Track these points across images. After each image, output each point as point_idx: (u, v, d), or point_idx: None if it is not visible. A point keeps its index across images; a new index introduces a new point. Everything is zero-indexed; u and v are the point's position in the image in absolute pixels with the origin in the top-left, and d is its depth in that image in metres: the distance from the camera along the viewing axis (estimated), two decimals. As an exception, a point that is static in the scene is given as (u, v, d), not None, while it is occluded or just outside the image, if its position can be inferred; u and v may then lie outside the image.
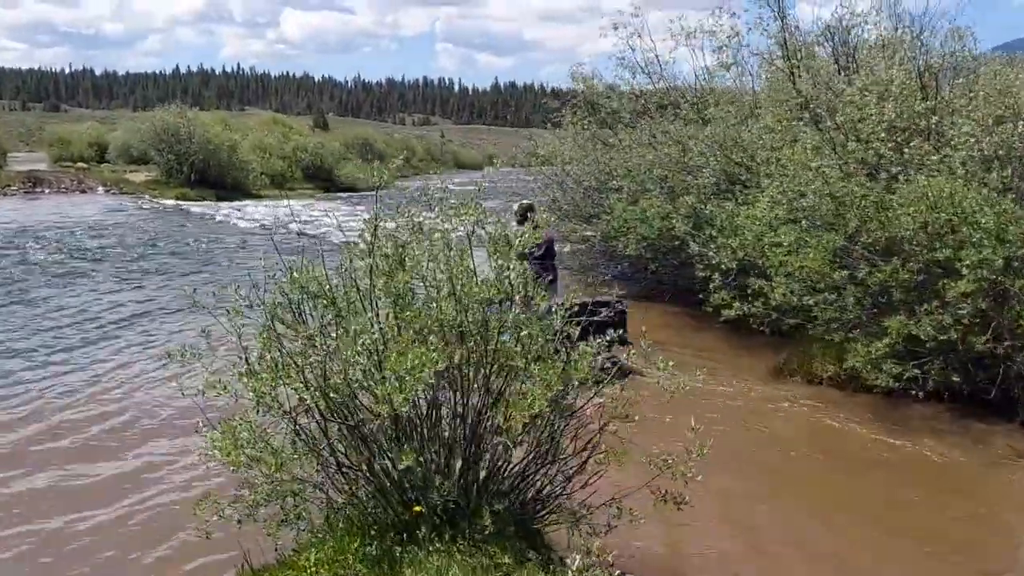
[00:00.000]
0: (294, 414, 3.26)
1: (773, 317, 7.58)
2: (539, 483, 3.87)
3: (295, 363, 3.25)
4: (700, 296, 9.07)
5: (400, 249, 3.75)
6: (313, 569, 3.37)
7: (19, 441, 5.97)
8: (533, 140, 16.20)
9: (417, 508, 3.52)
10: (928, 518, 4.99)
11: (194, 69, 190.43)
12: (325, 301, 3.66)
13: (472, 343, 3.41)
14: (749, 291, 7.85)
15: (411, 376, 3.16)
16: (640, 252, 10.91)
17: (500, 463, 3.75)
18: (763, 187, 8.92)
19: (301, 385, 3.17)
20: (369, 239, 3.72)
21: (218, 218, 22.16)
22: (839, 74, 10.44)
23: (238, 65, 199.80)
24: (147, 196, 27.13)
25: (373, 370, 3.32)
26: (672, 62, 17.57)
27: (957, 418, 6.39)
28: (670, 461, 3.56)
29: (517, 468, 3.79)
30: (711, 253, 8.95)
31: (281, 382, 3.15)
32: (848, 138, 8.24)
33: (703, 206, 9.92)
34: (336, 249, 14.26)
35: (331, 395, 3.29)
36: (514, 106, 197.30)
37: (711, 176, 10.52)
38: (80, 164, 37.89)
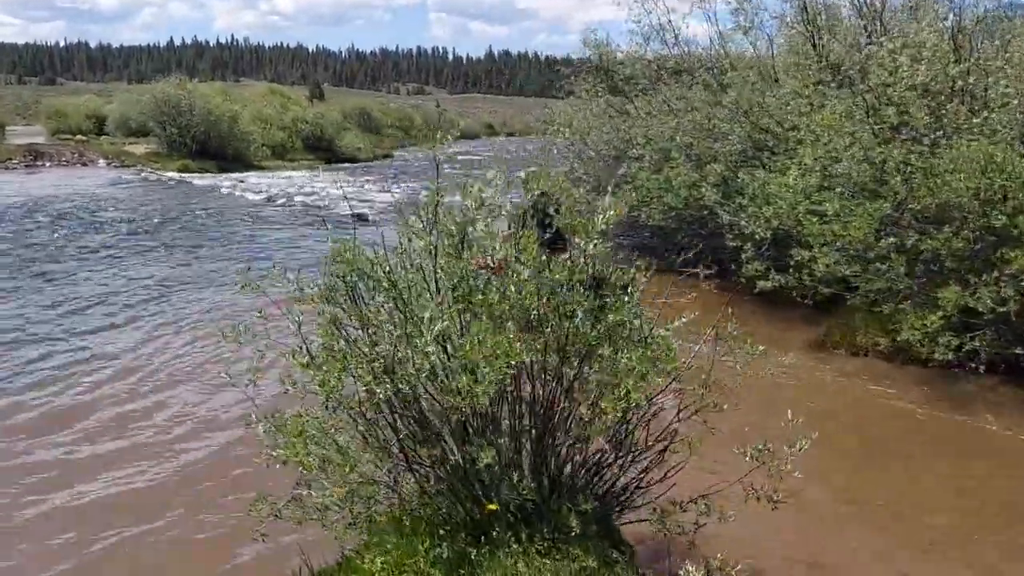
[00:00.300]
0: (363, 408, 2.98)
1: (816, 288, 7.32)
2: (614, 476, 3.62)
3: (364, 353, 2.96)
4: (731, 267, 8.80)
5: (464, 227, 3.44)
6: (381, 572, 3.13)
7: (58, 443, 5.53)
8: (549, 109, 15.74)
9: (491, 506, 3.27)
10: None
11: (188, 41, 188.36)
12: (385, 284, 3.37)
13: (550, 329, 3.12)
14: (788, 262, 7.58)
15: (491, 367, 2.90)
16: (665, 222, 10.63)
17: (575, 456, 3.50)
18: (793, 154, 8.65)
19: (371, 377, 2.88)
20: (429, 215, 3.41)
21: (223, 190, 21.75)
22: (865, 37, 10.10)
23: (232, 36, 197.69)
24: (149, 168, 26.68)
25: (446, 360, 3.05)
26: (687, 27, 17.08)
27: (1016, 391, 6.13)
28: (766, 451, 3.29)
29: (591, 461, 3.54)
30: (743, 222, 8.67)
31: (351, 374, 2.86)
32: (880, 102, 7.94)
33: (732, 174, 9.62)
34: (348, 222, 14.00)
35: (401, 387, 3.01)
36: (508, 75, 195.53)
37: (737, 143, 10.22)
38: (79, 137, 37.41)
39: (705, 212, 9.94)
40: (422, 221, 3.53)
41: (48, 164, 27.01)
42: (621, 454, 3.55)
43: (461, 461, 3.20)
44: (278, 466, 3.13)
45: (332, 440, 2.89)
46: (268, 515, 3.21)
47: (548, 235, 8.89)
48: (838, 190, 7.63)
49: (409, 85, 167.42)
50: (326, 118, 35.60)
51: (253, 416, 3.30)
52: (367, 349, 3.03)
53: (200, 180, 24.64)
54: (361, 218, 14.65)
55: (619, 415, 3.03)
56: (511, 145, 60.06)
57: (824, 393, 6.56)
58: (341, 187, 22.74)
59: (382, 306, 3.35)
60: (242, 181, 24.05)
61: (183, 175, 25.78)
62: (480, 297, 3.19)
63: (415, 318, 3.15)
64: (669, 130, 10.83)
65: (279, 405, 3.51)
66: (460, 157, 40.56)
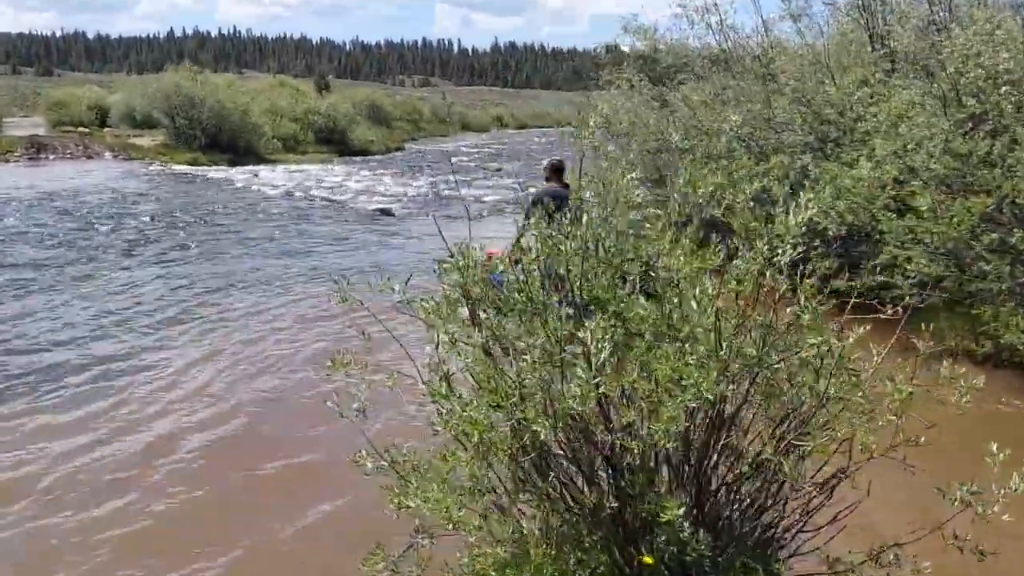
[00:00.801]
0: (513, 450, 2.47)
1: (905, 291, 6.82)
2: (775, 517, 3.10)
3: (517, 383, 2.45)
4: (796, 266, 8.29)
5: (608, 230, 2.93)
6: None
7: (118, 479, 4.70)
8: (589, 99, 15.15)
9: (648, 559, 2.77)
10: None
11: (189, 32, 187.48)
12: (520, 299, 2.85)
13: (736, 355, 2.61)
14: (859, 261, 7.12)
15: (673, 400, 2.39)
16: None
17: (734, 496, 2.99)
18: (859, 146, 8.19)
19: (534, 413, 2.37)
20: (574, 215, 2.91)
21: (239, 184, 21.21)
22: (930, 26, 9.60)
23: (234, 27, 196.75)
24: (158, 161, 26.09)
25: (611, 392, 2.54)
26: (734, 12, 16.51)
27: None
28: (965, 493, 2.76)
29: (748, 498, 3.03)
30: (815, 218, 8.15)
31: (511, 410, 2.35)
32: (959, 93, 7.43)
33: (802, 167, 9.12)
34: (373, 217, 13.47)
35: (560, 424, 2.50)
36: (515, 67, 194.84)
37: (800, 135, 9.72)
38: (81, 129, 36.80)
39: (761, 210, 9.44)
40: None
41: (52, 157, 26.35)
42: (784, 492, 3.05)
43: (618, 508, 2.70)
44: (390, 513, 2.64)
45: (485, 489, 2.36)
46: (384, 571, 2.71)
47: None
48: (917, 183, 7.16)
49: (415, 77, 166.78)
50: (338, 110, 34.99)
51: (362, 453, 2.80)
52: (518, 378, 2.51)
53: (213, 173, 24.09)
54: (386, 212, 14.22)
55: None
56: (519, 137, 59.87)
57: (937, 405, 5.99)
58: (357, 181, 22.28)
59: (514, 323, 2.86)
60: (256, 175, 23.52)
61: (194, 168, 25.23)
62: (640, 312, 2.68)
63: (556, 338, 2.65)
64: (726, 120, 10.30)
65: (391, 440, 3.01)
66: (473, 151, 40.21)
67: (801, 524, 3.12)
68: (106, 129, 36.83)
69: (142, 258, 11.13)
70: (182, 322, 7.89)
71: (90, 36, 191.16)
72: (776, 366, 2.71)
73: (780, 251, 2.69)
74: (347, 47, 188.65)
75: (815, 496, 3.05)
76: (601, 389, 2.46)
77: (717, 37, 12.98)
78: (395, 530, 2.90)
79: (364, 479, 2.82)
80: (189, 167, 25.32)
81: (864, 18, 10.29)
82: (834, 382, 2.55)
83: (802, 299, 2.70)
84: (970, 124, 6.89)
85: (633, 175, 3.18)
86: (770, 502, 3.06)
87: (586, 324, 2.61)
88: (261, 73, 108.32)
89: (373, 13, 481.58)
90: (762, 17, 12.49)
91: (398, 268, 10.38)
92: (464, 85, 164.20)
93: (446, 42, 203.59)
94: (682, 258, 2.73)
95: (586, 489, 2.69)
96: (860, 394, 2.50)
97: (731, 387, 2.67)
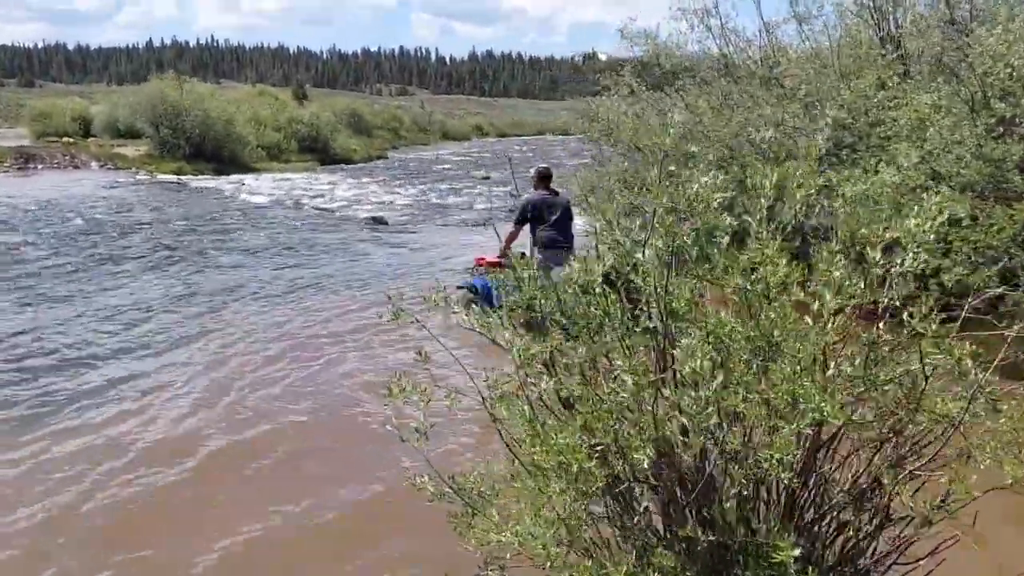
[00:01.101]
0: (609, 480, 2.23)
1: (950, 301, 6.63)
2: (869, 547, 2.88)
3: (614, 407, 2.22)
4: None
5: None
6: None
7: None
8: (590, 105, 14.95)
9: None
10: None
11: (168, 42, 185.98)
12: (599, 312, 2.63)
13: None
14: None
15: (789, 425, 2.17)
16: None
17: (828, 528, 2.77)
18: (878, 152, 8.02)
19: (638, 441, 2.14)
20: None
21: (227, 193, 20.81)
22: (950, 26, 9.48)
23: (212, 37, 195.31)
24: (144, 171, 25.65)
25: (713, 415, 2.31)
26: (735, 15, 16.39)
27: None
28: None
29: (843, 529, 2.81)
30: (839, 225, 7.97)
31: (608, 435, 2.11)
32: (987, 94, 7.31)
33: (824, 173, 8.93)
34: (366, 225, 13.12)
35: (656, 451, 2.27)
36: (492, 76, 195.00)
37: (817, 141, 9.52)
38: (65, 139, 36.21)
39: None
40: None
41: (40, 167, 25.98)
42: (880, 521, 2.83)
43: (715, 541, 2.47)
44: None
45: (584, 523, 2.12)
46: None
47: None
48: (943, 190, 7.00)
49: (392, 86, 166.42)
50: (321, 119, 34.69)
51: (424, 478, 2.56)
52: (613, 401, 2.28)
53: (199, 182, 23.71)
54: (379, 221, 13.96)
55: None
56: (499, 145, 59.60)
57: None
58: (345, 189, 21.96)
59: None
60: (243, 183, 23.14)
61: (180, 177, 24.81)
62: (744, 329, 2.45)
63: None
64: (735, 126, 10.10)
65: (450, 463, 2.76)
66: (456, 159, 39.96)
67: (897, 556, 2.91)
68: (90, 139, 36.27)
69: (145, 269, 10.73)
70: (196, 337, 7.47)
71: (71, 48, 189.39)
72: (885, 387, 2.49)
73: (900, 259, 2.46)
74: (324, 56, 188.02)
75: (919, 526, 2.85)
76: (713, 420, 2.23)
77: (718, 41, 12.88)
78: (460, 560, 2.66)
79: (422, 507, 2.59)
80: (175, 176, 24.93)
81: (874, 20, 10.15)
82: (968, 406, 2.32)
83: (917, 313, 2.48)
84: (1000, 128, 6.74)
85: (711, 177, 2.93)
86: (865, 532, 2.85)
87: (682, 343, 2.38)
88: (239, 83, 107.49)
89: (351, 22, 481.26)
90: (763, 20, 12.39)
91: (404, 276, 10.11)
92: (442, 94, 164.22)
93: (423, 51, 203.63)
94: (781, 268, 2.51)
95: (680, 519, 2.45)
96: (1002, 420, 2.26)
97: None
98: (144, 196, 19.64)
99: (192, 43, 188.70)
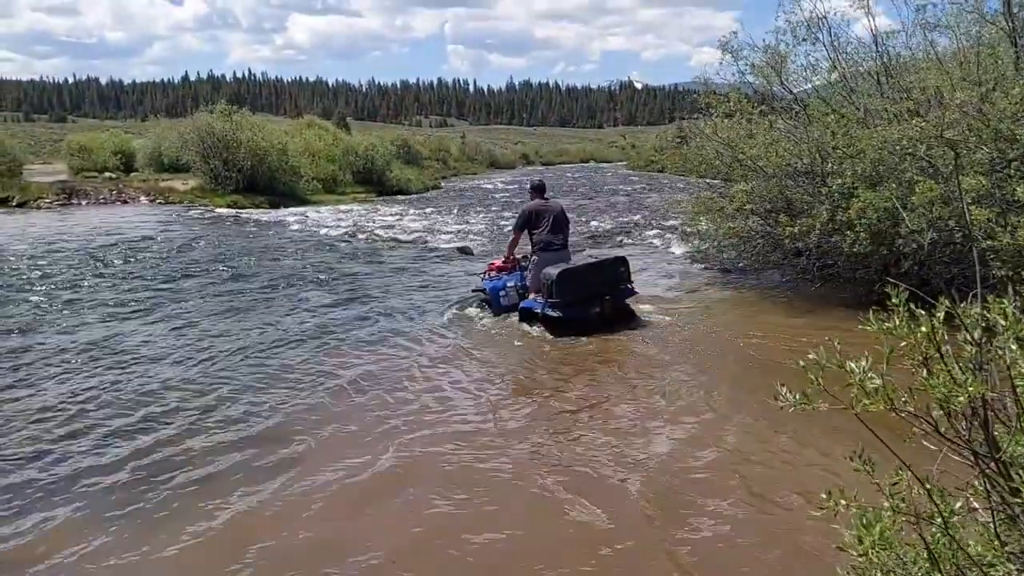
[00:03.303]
0: None
1: None
2: None
3: None
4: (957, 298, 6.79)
5: None
6: None
7: None
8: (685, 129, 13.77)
9: None
10: None
11: (203, 76, 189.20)
12: None
13: None
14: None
15: None
16: (871, 248, 8.71)
17: None
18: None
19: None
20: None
21: (293, 226, 19.92)
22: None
23: (248, 71, 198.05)
24: (197, 205, 24.90)
25: None
26: (846, 23, 15.45)
27: None
28: None
29: None
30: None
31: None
32: None
33: (1006, 187, 7.64)
34: (453, 256, 12.10)
35: None
36: (530, 105, 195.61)
37: (986, 151, 8.27)
38: (107, 174, 35.90)
39: (956, 234, 8.02)
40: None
41: (84, 203, 25.19)
42: None
43: None
44: None
45: None
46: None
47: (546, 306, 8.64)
48: None
49: (432, 117, 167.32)
50: (376, 150, 33.94)
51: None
52: None
53: (258, 215, 22.85)
54: (465, 252, 12.83)
55: None
56: (549, 173, 59.05)
57: None
58: (412, 219, 20.98)
59: None
60: (305, 216, 22.28)
61: (237, 211, 23.97)
62: None
63: None
64: (888, 140, 8.83)
65: None
66: (511, 187, 39.08)
67: None
68: (132, 174, 35.92)
69: (245, 306, 9.97)
70: (323, 382, 6.62)
71: (103, 82, 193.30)
72: None
73: None
74: (363, 88, 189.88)
75: None
76: None
77: (829, 53, 11.78)
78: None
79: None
80: (231, 210, 24.11)
81: (1009, 24, 9.21)
82: None
83: None
84: None
85: None
86: None
87: None
88: (277, 116, 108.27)
89: (386, 55, 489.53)
90: (874, 31, 11.30)
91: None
92: (481, 124, 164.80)
93: (462, 82, 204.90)
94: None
95: None
96: None
97: None
98: (205, 230, 18.91)
99: (228, 76, 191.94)
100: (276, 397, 6.17)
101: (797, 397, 1.64)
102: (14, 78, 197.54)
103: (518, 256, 9.29)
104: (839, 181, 9.26)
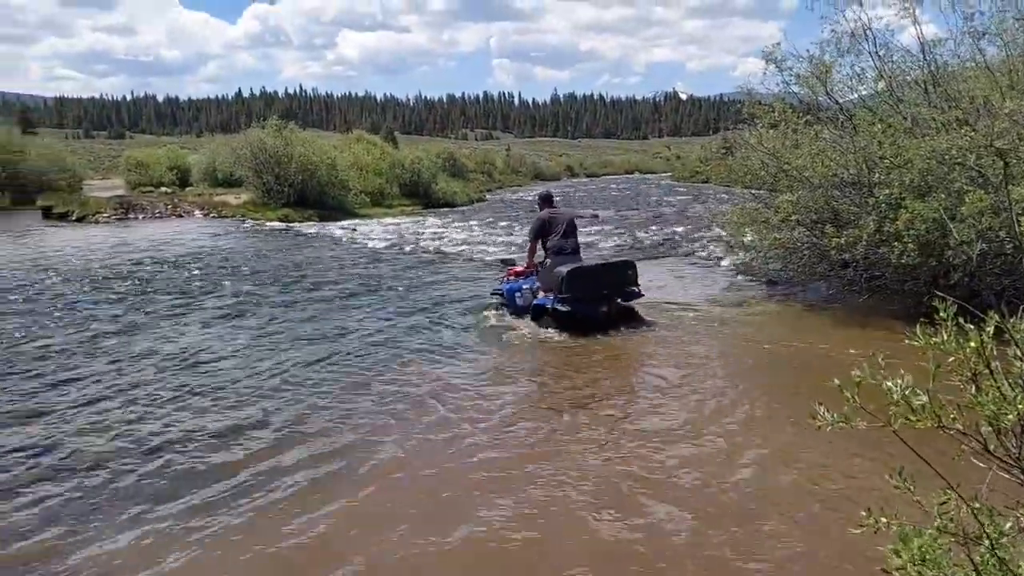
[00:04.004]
0: None
1: None
2: None
3: None
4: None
5: None
6: None
7: None
8: (730, 139, 13.75)
9: None
10: None
11: (256, 93, 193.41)
12: None
13: None
14: None
15: None
16: (920, 260, 8.60)
17: None
18: None
19: None
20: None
21: (342, 239, 20.26)
22: None
23: (300, 87, 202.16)
24: (250, 219, 25.48)
25: None
26: (891, 32, 15.34)
27: None
28: None
29: None
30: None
31: None
32: None
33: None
34: (490, 268, 12.24)
35: None
36: (575, 117, 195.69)
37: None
38: (163, 188, 36.94)
39: (1008, 245, 7.90)
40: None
41: (141, 216, 25.96)
42: None
43: None
44: None
45: None
46: None
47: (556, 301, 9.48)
48: None
49: (477, 131, 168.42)
50: (423, 163, 34.35)
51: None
52: None
53: (309, 228, 23.26)
54: (508, 263, 12.94)
55: None
56: (593, 185, 59.08)
57: None
58: (458, 232, 21.18)
59: None
60: (354, 229, 22.61)
61: (289, 224, 24.45)
62: None
63: None
64: (931, 150, 8.73)
65: None
66: (556, 200, 39.07)
67: None
68: (187, 188, 36.89)
69: (302, 316, 10.22)
70: (387, 392, 6.71)
71: (160, 99, 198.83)
72: None
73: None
74: (411, 103, 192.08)
75: None
76: None
77: (875, 63, 11.69)
78: None
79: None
80: (282, 223, 24.58)
81: None
82: None
83: None
84: None
85: None
86: None
87: None
88: (327, 132, 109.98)
89: (433, 70, 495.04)
90: (921, 40, 11.20)
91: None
92: (526, 137, 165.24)
93: (507, 95, 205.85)
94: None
95: None
96: None
97: None
98: (259, 243, 19.38)
99: (280, 93, 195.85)
100: (348, 408, 6.28)
101: (835, 416, 1.62)
102: (76, 96, 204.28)
103: (536, 262, 9.70)
104: (886, 191, 9.18)
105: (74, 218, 25.40)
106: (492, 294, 10.50)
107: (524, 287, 9.52)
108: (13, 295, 11.57)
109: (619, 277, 9.16)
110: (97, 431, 5.77)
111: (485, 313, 9.88)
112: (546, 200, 9.84)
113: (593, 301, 8.75)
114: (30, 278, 13.16)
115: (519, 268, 10.09)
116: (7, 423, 5.98)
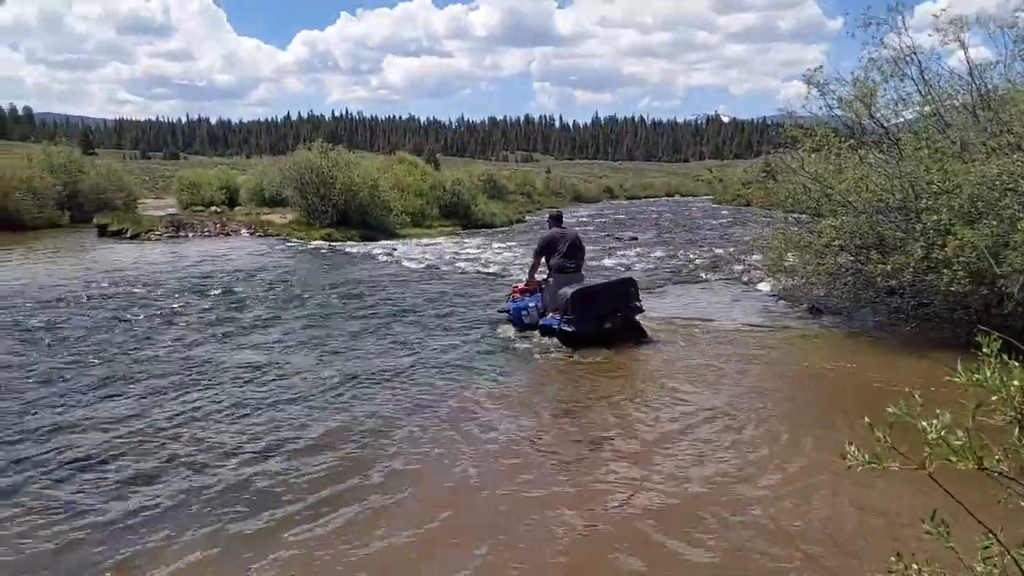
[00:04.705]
0: None
1: None
2: None
3: None
4: None
5: None
6: None
7: None
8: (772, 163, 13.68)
9: None
10: None
11: (304, 116, 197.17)
12: None
13: None
14: None
15: None
16: (970, 288, 8.43)
17: None
18: None
19: None
20: None
21: (382, 258, 20.52)
22: None
23: (346, 110, 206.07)
24: (294, 237, 25.96)
25: None
26: (937, 57, 15.17)
27: None
28: None
29: None
30: None
31: None
32: None
33: None
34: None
35: None
36: (615, 140, 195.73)
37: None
38: (213, 208, 37.80)
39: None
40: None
41: (191, 235, 26.67)
42: None
43: None
44: None
45: None
46: None
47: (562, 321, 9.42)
48: None
49: (517, 153, 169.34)
50: (463, 184, 34.68)
51: None
52: None
53: (350, 248, 23.62)
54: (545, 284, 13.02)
55: None
56: (633, 207, 58.97)
57: None
58: (496, 252, 21.27)
59: None
60: (394, 249, 22.89)
61: (330, 243, 24.85)
62: None
63: None
64: (981, 175, 8.57)
65: None
66: (596, 221, 39.19)
67: None
68: (236, 208, 37.67)
69: (342, 332, 10.38)
70: (413, 407, 6.76)
71: (212, 122, 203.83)
72: None
73: None
74: (453, 125, 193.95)
75: None
76: None
77: (920, 88, 11.58)
78: None
79: None
80: (325, 242, 24.97)
81: None
82: None
83: None
84: None
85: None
86: None
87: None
88: (371, 153, 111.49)
89: (475, 93, 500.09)
90: (970, 63, 11.08)
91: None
92: (565, 159, 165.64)
93: (547, 118, 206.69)
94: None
95: None
96: None
97: None
98: (302, 261, 19.74)
99: (327, 116, 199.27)
100: (385, 424, 6.38)
101: (866, 456, 1.57)
102: (134, 119, 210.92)
103: (539, 279, 10.12)
104: (934, 217, 9.02)
105: (128, 235, 26.16)
106: (499, 311, 10.96)
107: (530, 305, 9.93)
108: (74, 308, 11.92)
109: (621, 294, 9.58)
110: (171, 440, 5.95)
111: (501, 331, 10.20)
112: (556, 219, 10.16)
113: (597, 318, 9.16)
114: (88, 292, 13.59)
115: (522, 285, 10.48)
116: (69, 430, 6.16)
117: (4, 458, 5.59)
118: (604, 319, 9.23)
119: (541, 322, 9.62)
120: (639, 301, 9.68)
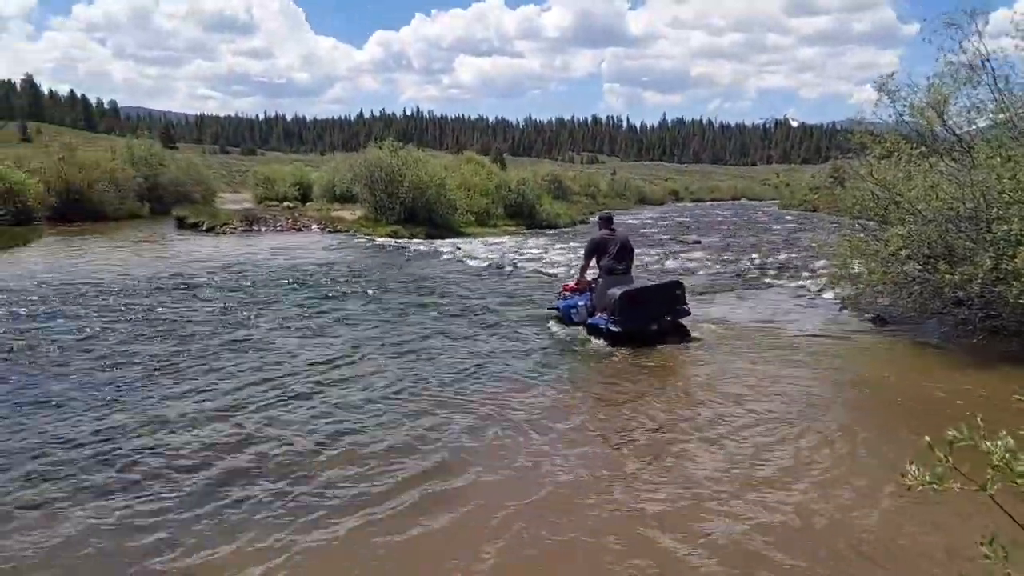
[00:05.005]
0: None
1: None
2: None
3: None
4: None
5: None
6: None
7: None
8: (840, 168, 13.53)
9: None
10: None
11: (376, 114, 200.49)
12: None
13: None
14: None
15: None
16: None
17: None
18: None
19: None
20: None
21: (446, 256, 20.89)
22: None
23: (417, 108, 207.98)
24: (362, 233, 26.66)
25: None
26: (1010, 65, 14.81)
27: None
28: None
29: None
30: None
31: None
32: None
33: None
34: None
35: None
36: (682, 142, 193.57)
37: None
38: (286, 203, 38.92)
39: None
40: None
41: (264, 229, 27.56)
42: None
43: None
44: None
45: None
46: None
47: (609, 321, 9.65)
48: None
49: (584, 153, 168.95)
50: (528, 185, 34.93)
51: None
52: None
53: (415, 245, 24.09)
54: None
55: None
56: (698, 210, 58.28)
57: None
58: (559, 253, 21.42)
59: None
60: (458, 247, 23.22)
61: (396, 240, 25.43)
62: None
63: None
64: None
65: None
66: (661, 224, 38.96)
67: None
68: (308, 203, 38.70)
69: (405, 332, 10.55)
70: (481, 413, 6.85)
71: (288, 119, 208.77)
72: None
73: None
74: (520, 125, 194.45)
75: None
76: None
77: (994, 94, 11.29)
78: None
79: None
80: (391, 239, 25.55)
81: None
82: None
83: None
84: None
85: None
86: None
87: None
88: (440, 151, 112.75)
89: (544, 93, 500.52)
90: None
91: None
92: (631, 160, 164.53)
93: (615, 119, 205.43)
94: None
95: None
96: None
97: None
98: (369, 256, 20.29)
99: (399, 114, 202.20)
100: (444, 428, 6.42)
101: (927, 476, 1.54)
102: (214, 114, 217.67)
103: (588, 279, 10.33)
104: (1005, 227, 8.86)
105: (204, 228, 27.23)
106: (549, 309, 11.31)
107: (580, 303, 10.22)
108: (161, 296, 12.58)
109: (669, 296, 9.70)
110: (257, 441, 6.04)
111: (553, 328, 10.45)
112: (606, 221, 10.33)
113: (644, 319, 9.37)
114: (173, 282, 14.33)
115: (572, 284, 10.75)
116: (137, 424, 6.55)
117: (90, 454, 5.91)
118: (651, 320, 9.43)
119: (589, 321, 9.88)
120: (686, 304, 9.83)
